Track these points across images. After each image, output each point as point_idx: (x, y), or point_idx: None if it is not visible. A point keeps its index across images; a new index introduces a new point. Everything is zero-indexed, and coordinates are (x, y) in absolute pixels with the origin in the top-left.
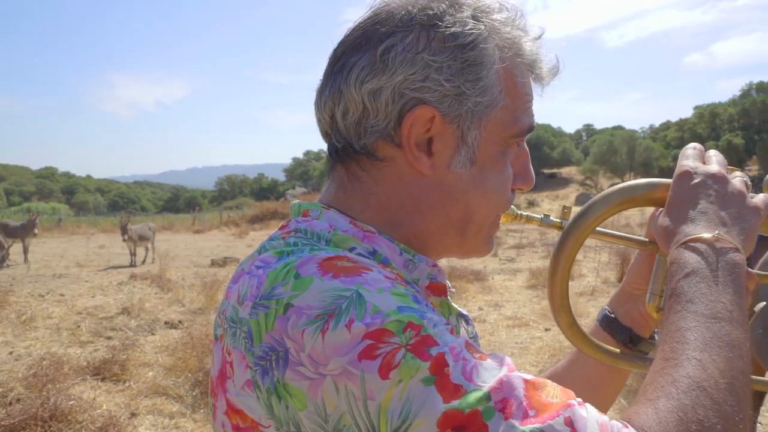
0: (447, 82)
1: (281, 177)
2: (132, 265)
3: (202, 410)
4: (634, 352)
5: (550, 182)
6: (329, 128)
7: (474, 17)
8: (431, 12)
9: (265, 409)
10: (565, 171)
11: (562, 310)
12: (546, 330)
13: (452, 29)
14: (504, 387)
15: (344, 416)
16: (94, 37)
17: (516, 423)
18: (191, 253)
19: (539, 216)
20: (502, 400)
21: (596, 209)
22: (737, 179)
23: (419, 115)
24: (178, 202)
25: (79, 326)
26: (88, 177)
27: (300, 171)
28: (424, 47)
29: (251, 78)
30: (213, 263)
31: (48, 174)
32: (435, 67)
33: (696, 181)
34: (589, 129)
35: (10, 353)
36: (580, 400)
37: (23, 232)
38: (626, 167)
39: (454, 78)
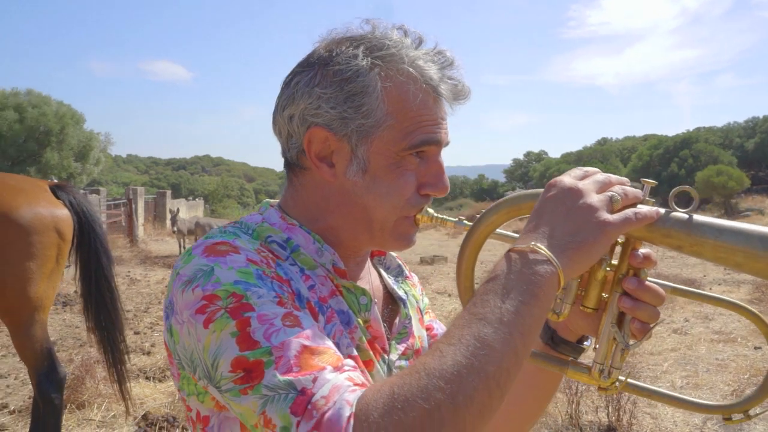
0: (332, 109)
1: (501, 178)
2: None
3: None
4: (554, 352)
5: None
6: (281, 145)
7: (363, 54)
8: (328, 53)
9: (170, 344)
10: None
11: (468, 304)
12: (756, 348)
13: (337, 67)
14: (284, 347)
15: (194, 351)
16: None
17: (278, 374)
18: (405, 252)
19: (454, 219)
20: (279, 357)
21: (488, 216)
22: (598, 195)
23: (314, 134)
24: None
25: None
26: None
27: (520, 172)
28: (318, 82)
29: (471, 81)
30: (422, 261)
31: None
32: (325, 97)
33: (551, 193)
34: None
35: None
36: (347, 366)
37: None
38: None
39: (338, 105)
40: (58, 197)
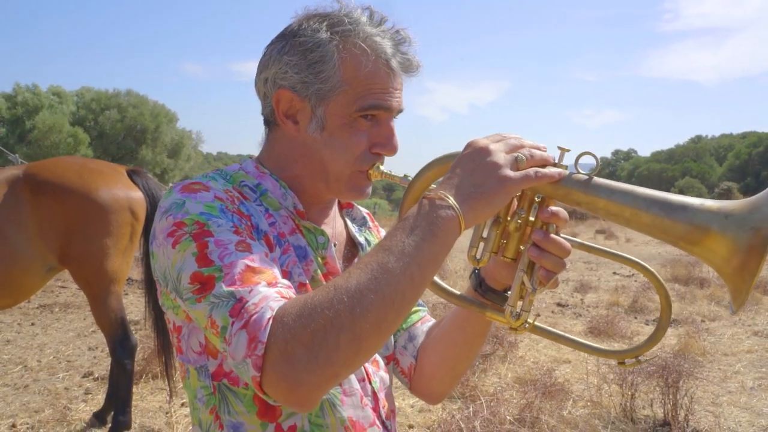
0: (296, 74)
1: None
2: None
3: None
4: (482, 298)
5: None
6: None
7: (325, 29)
8: (297, 27)
9: (152, 266)
10: None
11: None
12: None
13: (303, 38)
14: (232, 266)
15: (166, 268)
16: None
17: (224, 286)
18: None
19: (400, 175)
20: (227, 273)
21: (424, 173)
22: (505, 155)
23: (281, 95)
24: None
25: None
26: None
27: (608, 171)
28: (286, 51)
29: (560, 77)
30: None
31: None
32: (291, 64)
33: (466, 152)
34: None
35: None
36: (281, 284)
37: None
38: None
39: (301, 71)
40: (133, 181)
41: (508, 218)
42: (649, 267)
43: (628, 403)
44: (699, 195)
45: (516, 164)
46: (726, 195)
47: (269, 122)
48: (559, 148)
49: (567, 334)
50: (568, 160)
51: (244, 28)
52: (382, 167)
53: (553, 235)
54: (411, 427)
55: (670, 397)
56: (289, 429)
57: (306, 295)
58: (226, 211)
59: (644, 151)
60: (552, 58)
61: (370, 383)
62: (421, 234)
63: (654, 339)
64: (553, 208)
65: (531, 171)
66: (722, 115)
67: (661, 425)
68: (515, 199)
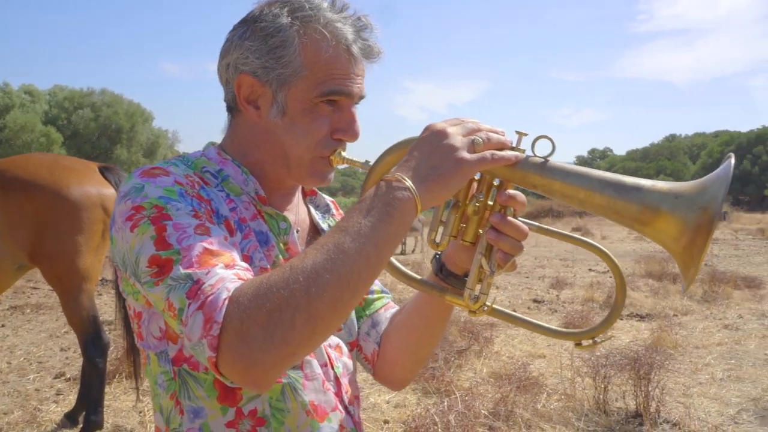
0: (257, 59)
1: None
2: (402, 252)
3: None
4: (442, 282)
5: None
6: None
7: (286, 14)
8: (259, 13)
9: (113, 251)
10: None
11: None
12: None
13: (264, 23)
14: (190, 249)
15: (125, 253)
16: (389, 50)
17: (181, 268)
18: None
19: (362, 160)
20: (184, 256)
21: (384, 157)
22: (462, 138)
23: (242, 80)
24: None
25: None
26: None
27: None
28: (248, 36)
29: (538, 77)
30: None
31: (351, 173)
32: (252, 49)
33: (424, 135)
34: None
35: None
36: (238, 267)
37: None
38: None
39: (262, 56)
40: (105, 178)
41: (467, 202)
42: (605, 249)
43: (601, 396)
44: None
45: (473, 147)
46: None
47: (231, 108)
48: (517, 132)
49: (524, 317)
50: (527, 144)
51: (222, 28)
52: (344, 153)
53: (510, 218)
54: (386, 422)
55: (642, 389)
56: (250, 413)
57: (262, 276)
58: (186, 195)
59: (620, 149)
60: (530, 58)
61: (333, 368)
62: (377, 215)
63: (609, 320)
64: (511, 191)
65: (487, 153)
66: (695, 115)
67: (633, 417)
68: (474, 183)
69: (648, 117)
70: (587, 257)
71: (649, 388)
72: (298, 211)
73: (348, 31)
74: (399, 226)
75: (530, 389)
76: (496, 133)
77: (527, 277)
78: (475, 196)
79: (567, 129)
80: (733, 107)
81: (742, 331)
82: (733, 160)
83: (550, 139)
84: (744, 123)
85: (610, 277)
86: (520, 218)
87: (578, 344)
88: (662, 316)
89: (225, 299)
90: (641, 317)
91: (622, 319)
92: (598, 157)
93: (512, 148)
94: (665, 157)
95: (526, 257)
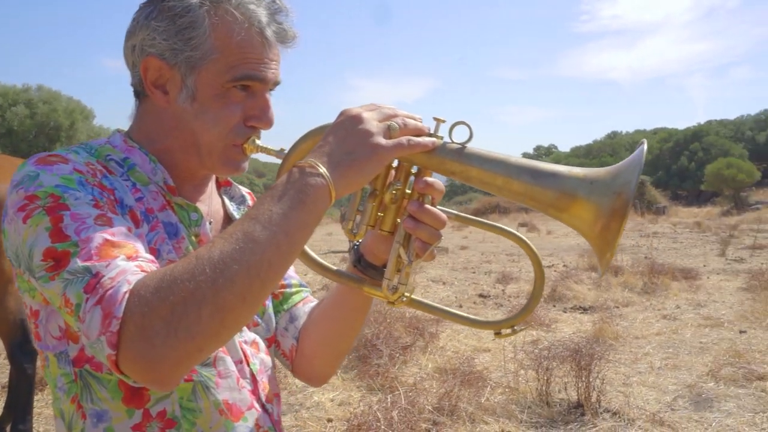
0: (165, 41)
1: None
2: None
3: (353, 371)
4: (361, 274)
5: None
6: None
7: None
8: None
9: (5, 245)
10: None
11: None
12: (741, 332)
13: (171, 3)
14: (89, 240)
15: (18, 246)
16: (337, 48)
17: (79, 261)
18: None
19: (277, 148)
20: (83, 249)
21: (299, 145)
22: (378, 123)
23: (149, 63)
24: None
25: None
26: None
27: None
28: (155, 16)
29: (482, 75)
30: None
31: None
32: (159, 30)
33: (338, 120)
34: None
35: None
36: (141, 258)
37: None
38: None
39: (170, 38)
40: None
41: (384, 190)
42: (523, 237)
43: (543, 388)
44: None
45: (389, 132)
46: (640, 188)
47: (139, 93)
48: (435, 118)
49: (443, 307)
50: (446, 131)
51: None
52: (258, 141)
53: (427, 206)
54: (330, 420)
55: (583, 380)
56: (159, 414)
57: (166, 268)
58: (86, 184)
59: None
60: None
61: (249, 365)
62: (289, 202)
63: (528, 308)
64: (429, 179)
65: (404, 139)
66: (636, 112)
67: (575, 407)
68: (392, 171)
69: (591, 114)
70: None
71: (590, 379)
72: (211, 202)
73: (262, 14)
74: (312, 214)
75: (474, 383)
76: (414, 119)
77: (474, 272)
78: (393, 183)
79: (513, 126)
80: (671, 105)
81: (680, 320)
82: (645, 147)
83: (467, 125)
84: (681, 120)
85: (555, 270)
86: (438, 206)
87: (497, 333)
88: (604, 308)
89: (125, 292)
90: (584, 309)
91: (565, 312)
92: (543, 154)
93: (430, 135)
94: (608, 153)
95: (473, 253)
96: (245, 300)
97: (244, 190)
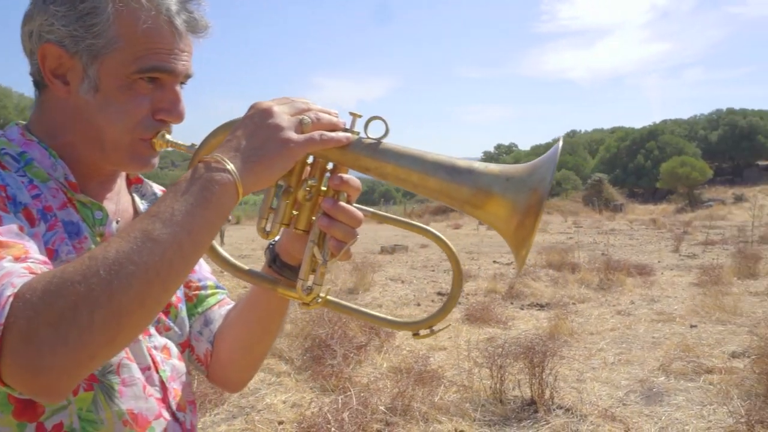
0: (64, 27)
1: None
2: None
3: (307, 372)
4: (276, 275)
5: (766, 175)
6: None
7: None
8: None
9: None
10: None
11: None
12: (692, 327)
13: None
14: None
15: None
16: (302, 47)
17: None
18: (368, 241)
19: (187, 144)
20: None
21: (209, 140)
22: (289, 117)
23: (47, 50)
24: (373, 195)
25: None
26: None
27: None
28: (53, 0)
29: (444, 74)
30: (383, 250)
31: None
32: (58, 15)
33: (248, 113)
34: None
35: None
36: (32, 259)
37: None
38: None
39: (70, 24)
40: None
41: (298, 187)
42: (441, 235)
43: (497, 386)
44: (574, 187)
45: (301, 127)
46: (597, 186)
47: (38, 83)
48: (351, 113)
49: (360, 308)
50: (362, 127)
51: None
52: (168, 136)
53: (342, 203)
54: (281, 423)
55: (536, 377)
56: (54, 428)
57: (56, 269)
58: None
59: (524, 145)
60: (439, 55)
61: (158, 372)
62: (192, 199)
63: (445, 309)
64: (345, 176)
65: (316, 134)
66: (594, 112)
67: (528, 404)
68: (307, 167)
69: (551, 113)
70: (492, 250)
71: (543, 376)
72: (119, 200)
73: (171, 2)
74: (217, 212)
75: (429, 382)
76: (328, 113)
77: (433, 271)
78: (307, 180)
79: (474, 125)
80: (628, 104)
81: (633, 316)
82: (560, 144)
83: (383, 121)
84: (638, 119)
85: (513, 268)
86: (355, 204)
87: (416, 334)
88: (561, 304)
89: (9, 296)
90: (541, 306)
91: (522, 309)
92: (504, 153)
93: (345, 130)
94: (567, 152)
95: (433, 251)
96: (143, 303)
97: (158, 188)
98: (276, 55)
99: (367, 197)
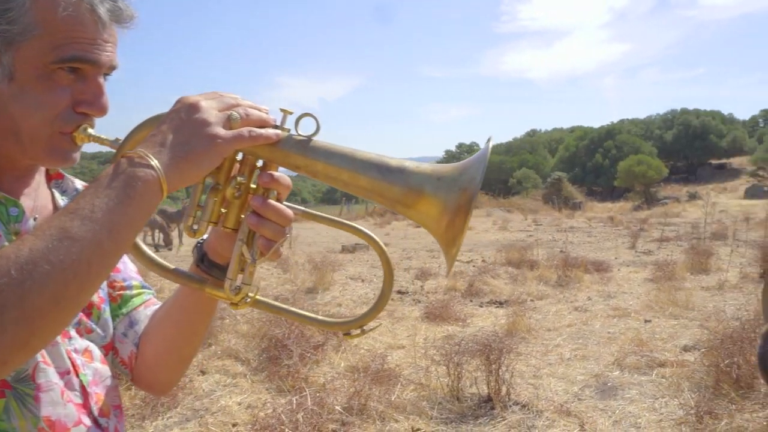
0: None
1: None
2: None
3: (263, 373)
4: (204, 274)
5: (718, 174)
6: None
7: None
8: None
9: None
10: (736, 161)
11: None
12: (646, 321)
13: None
14: None
15: None
16: (265, 46)
17: None
18: (329, 240)
19: (111, 138)
20: None
21: (134, 135)
22: (217, 112)
23: None
24: (336, 193)
25: None
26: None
27: None
28: None
29: (407, 73)
30: (344, 249)
31: None
32: None
33: (174, 107)
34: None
35: None
36: None
37: (179, 217)
38: None
39: None
40: None
41: (227, 184)
42: (371, 234)
43: (454, 383)
44: (534, 185)
45: (229, 123)
46: (557, 184)
47: None
48: (282, 110)
49: (290, 308)
50: (292, 124)
51: None
52: (90, 130)
53: (271, 201)
54: (235, 425)
55: (493, 374)
56: None
57: None
58: None
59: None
60: (401, 54)
61: (78, 376)
62: (114, 196)
63: (376, 308)
64: (275, 173)
65: (244, 130)
66: (554, 111)
67: (485, 401)
68: (237, 164)
69: (511, 113)
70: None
71: (500, 373)
72: (38, 196)
73: None
74: (139, 209)
75: (386, 381)
76: (258, 109)
77: (393, 269)
78: (236, 177)
79: (437, 124)
80: (587, 104)
81: (590, 312)
82: (491, 143)
83: (314, 118)
84: (596, 119)
85: (473, 266)
86: (285, 202)
87: (347, 334)
88: (519, 301)
89: None
90: (500, 303)
91: (482, 306)
92: (465, 152)
93: (275, 127)
94: (527, 150)
95: (394, 249)
96: (59, 304)
97: (80, 183)
98: (239, 54)
99: (328, 196)
